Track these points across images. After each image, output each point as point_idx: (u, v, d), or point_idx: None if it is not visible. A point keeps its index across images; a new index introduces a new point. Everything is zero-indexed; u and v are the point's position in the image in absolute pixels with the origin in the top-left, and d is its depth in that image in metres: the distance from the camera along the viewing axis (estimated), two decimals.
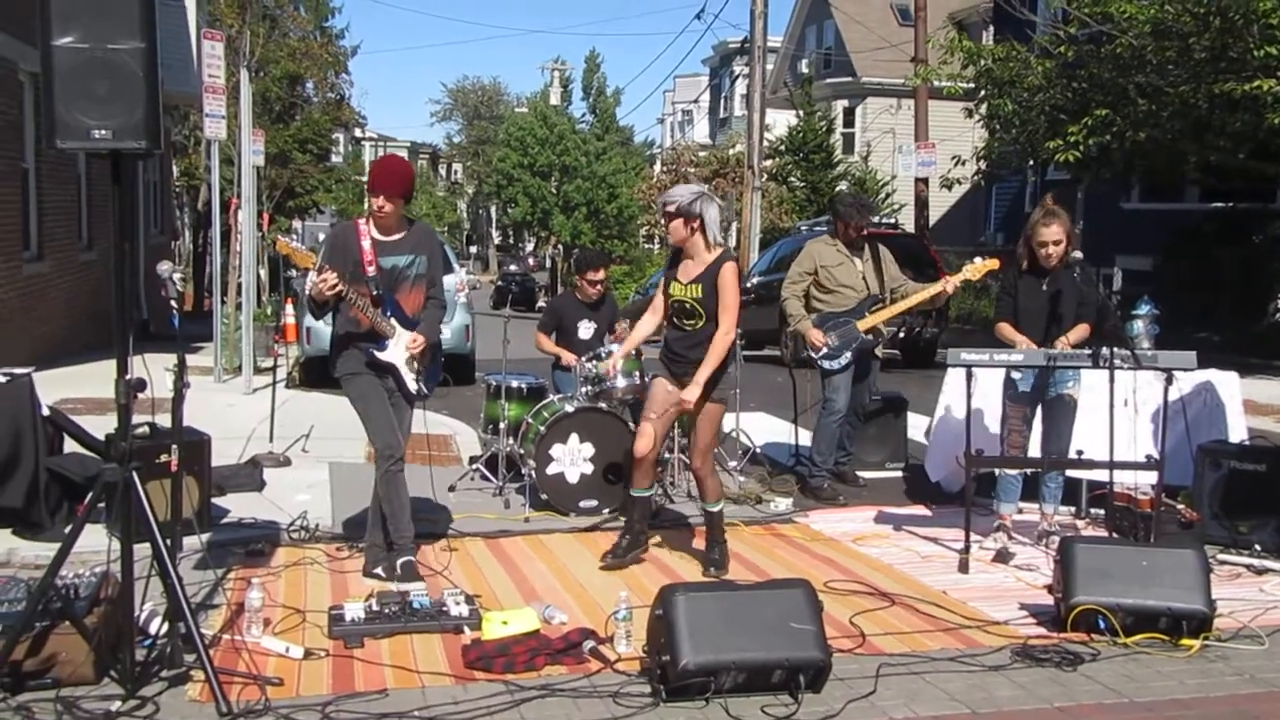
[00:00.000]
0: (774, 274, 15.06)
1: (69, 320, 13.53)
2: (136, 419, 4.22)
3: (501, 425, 7.26)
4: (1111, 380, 5.61)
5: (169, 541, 4.12)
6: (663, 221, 5.63)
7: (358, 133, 51.26)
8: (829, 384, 7.38)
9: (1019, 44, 16.58)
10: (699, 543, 6.04)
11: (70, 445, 6.36)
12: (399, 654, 4.40)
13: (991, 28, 26.35)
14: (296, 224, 32.51)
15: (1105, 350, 5.63)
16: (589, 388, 6.90)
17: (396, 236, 5.27)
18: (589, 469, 6.73)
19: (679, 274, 5.60)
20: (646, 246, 44.94)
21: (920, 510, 7.11)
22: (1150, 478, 5.87)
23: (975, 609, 5.10)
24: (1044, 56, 16.07)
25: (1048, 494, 6.25)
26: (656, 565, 5.80)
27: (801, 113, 31.02)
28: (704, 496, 5.75)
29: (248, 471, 7.20)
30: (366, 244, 5.19)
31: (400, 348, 5.24)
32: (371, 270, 5.16)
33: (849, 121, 34.72)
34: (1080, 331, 5.98)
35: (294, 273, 5.16)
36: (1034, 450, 6.23)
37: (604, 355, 6.87)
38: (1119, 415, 5.71)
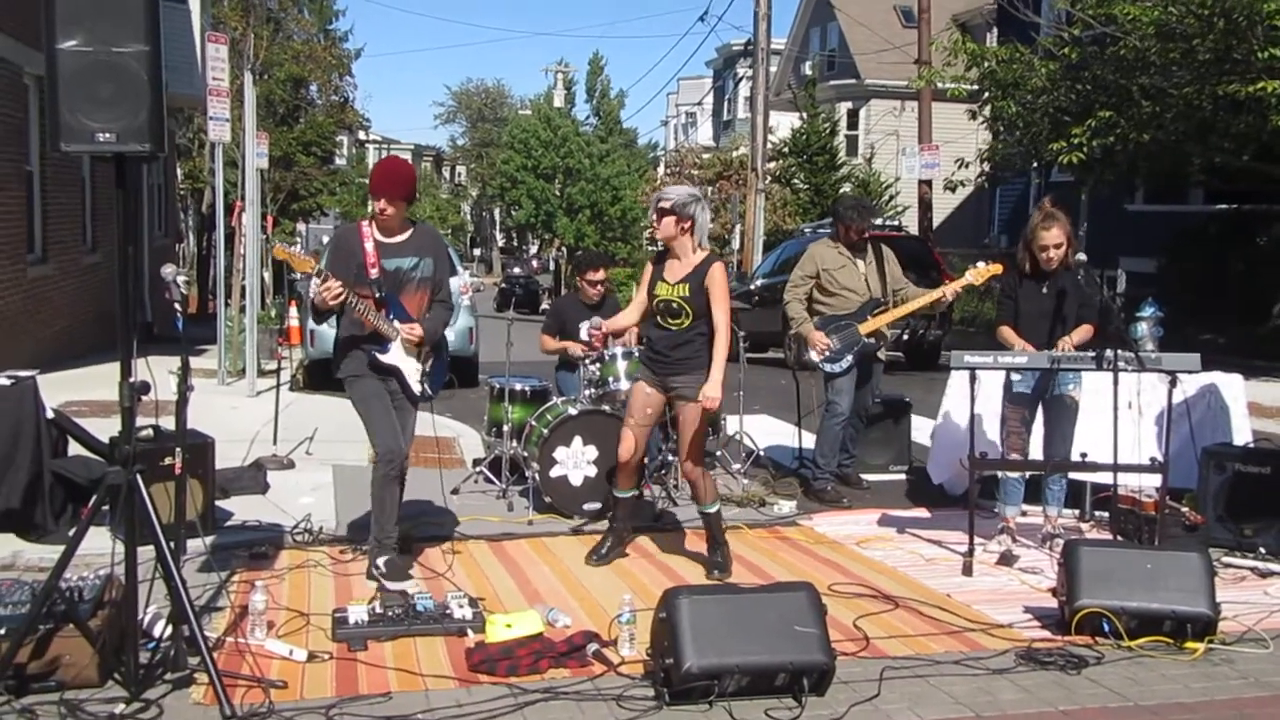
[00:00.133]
0: (778, 276, 15.05)
1: (73, 323, 13.55)
2: (140, 422, 4.23)
3: (505, 428, 7.26)
4: (1115, 383, 5.60)
5: (173, 544, 4.12)
6: (653, 218, 5.67)
7: (361, 135, 51.36)
8: (832, 387, 7.38)
9: (1023, 46, 16.57)
10: (702, 545, 6.04)
11: (74, 448, 6.37)
12: (402, 657, 4.40)
13: (995, 29, 26.32)
14: (300, 226, 32.49)
15: (1109, 353, 5.63)
16: (592, 390, 6.91)
17: (399, 239, 5.27)
18: (592, 471, 6.73)
19: (665, 274, 5.64)
20: (650, 249, 44.93)
21: (924, 513, 7.11)
22: (1154, 480, 5.86)
23: (979, 612, 5.09)
24: (1048, 58, 16.07)
25: (1051, 497, 6.24)
26: (660, 568, 5.79)
27: (805, 115, 31.00)
28: (698, 499, 5.75)
29: (251, 474, 7.20)
30: (369, 246, 5.19)
31: (401, 349, 5.23)
32: (374, 273, 5.16)
33: (853, 124, 34.69)
34: (1083, 333, 5.98)
35: (298, 276, 5.18)
36: (1035, 452, 6.23)
37: (606, 358, 6.87)
38: (1123, 418, 5.70)
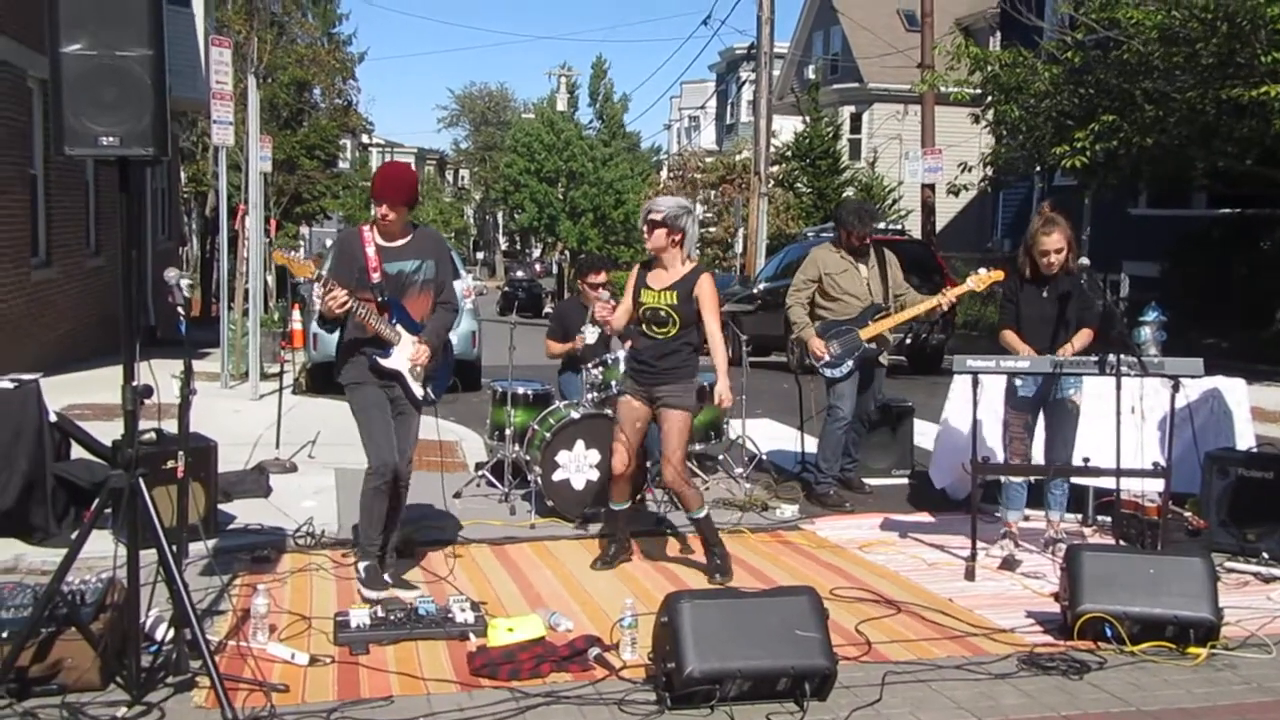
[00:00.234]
0: (780, 280, 15.05)
1: (76, 326, 13.57)
2: (143, 425, 4.23)
3: (507, 432, 7.26)
4: (1118, 387, 5.60)
5: (175, 547, 4.13)
6: (644, 229, 5.68)
7: (365, 139, 51.35)
8: (833, 391, 7.38)
9: (1026, 50, 16.57)
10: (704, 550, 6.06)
11: (77, 451, 6.37)
12: (404, 661, 4.40)
13: (998, 33, 26.31)
14: (304, 230, 32.62)
15: (1112, 357, 5.62)
16: (595, 394, 6.91)
17: (401, 242, 5.26)
18: (595, 475, 6.73)
19: (650, 281, 5.66)
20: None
21: (926, 517, 7.10)
22: (1157, 485, 5.85)
23: (982, 616, 5.09)
24: (1051, 62, 16.05)
25: (1053, 501, 6.24)
26: (662, 573, 5.79)
27: (808, 118, 31.01)
28: (686, 507, 5.76)
29: (254, 477, 7.20)
30: (371, 250, 5.19)
31: (404, 355, 5.23)
32: (376, 276, 5.16)
33: (856, 127, 34.70)
34: (1084, 337, 5.99)
35: (300, 279, 5.18)
36: (1037, 456, 6.23)
37: (610, 362, 6.87)
38: (1126, 422, 5.70)
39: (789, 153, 30.83)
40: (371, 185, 5.30)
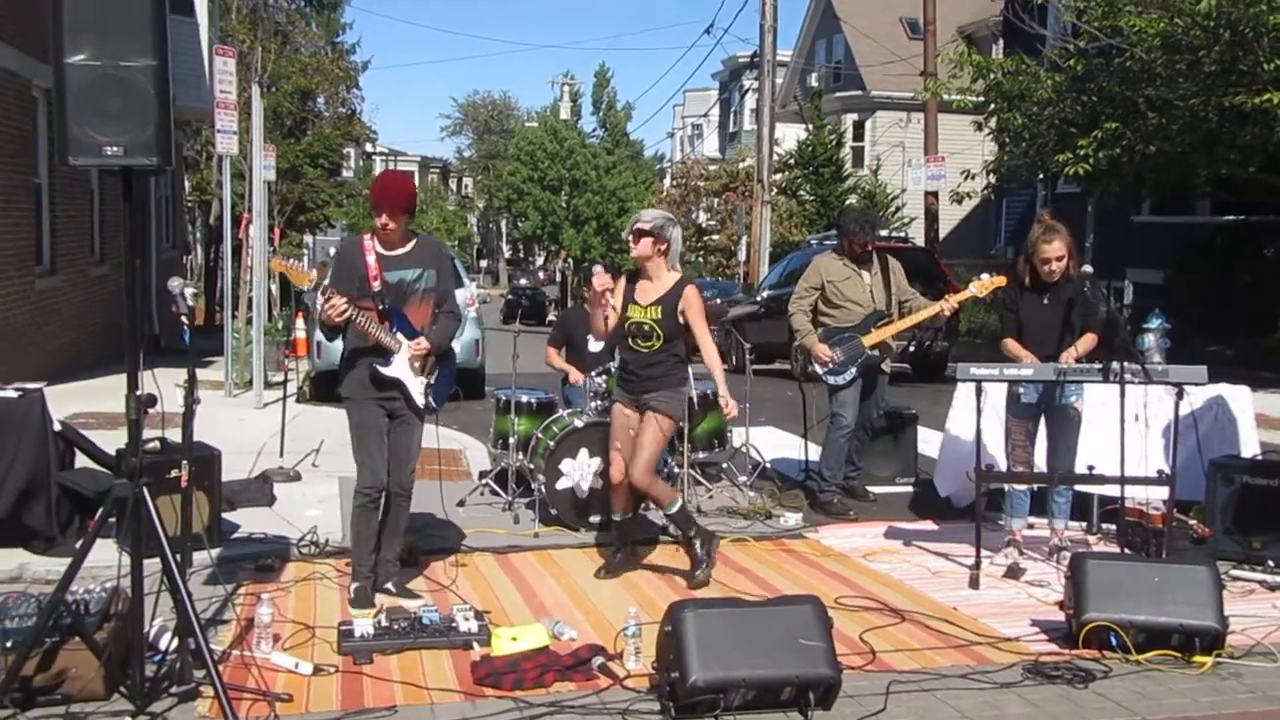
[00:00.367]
0: (784, 288, 15.05)
1: (81, 335, 13.59)
2: (147, 434, 4.24)
3: (511, 440, 7.26)
4: (1122, 395, 5.59)
5: (179, 557, 4.13)
6: (630, 240, 5.76)
7: (369, 147, 51.40)
8: (836, 399, 7.38)
9: (1028, 58, 16.58)
10: None
11: (81, 460, 6.38)
12: (408, 670, 4.39)
13: (1001, 41, 26.36)
14: (307, 238, 32.66)
15: (1115, 365, 5.62)
16: (598, 402, 6.91)
17: (402, 251, 5.26)
18: (599, 484, 6.72)
19: (637, 295, 5.75)
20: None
21: (930, 525, 7.09)
22: (1162, 493, 5.84)
23: (986, 625, 5.08)
24: (1053, 70, 16.07)
25: (1056, 509, 6.23)
26: (666, 581, 5.79)
27: (811, 126, 31.08)
28: (660, 506, 5.80)
29: (258, 486, 7.21)
30: (371, 259, 5.19)
31: (405, 361, 5.23)
32: (377, 285, 5.17)
33: (859, 135, 34.75)
34: (1088, 341, 5.99)
35: (305, 288, 5.18)
36: (1039, 464, 6.22)
37: (613, 370, 6.87)
38: (1130, 430, 5.69)
39: (792, 160, 30.88)
40: (370, 195, 5.31)
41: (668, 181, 45.76)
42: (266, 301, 13.77)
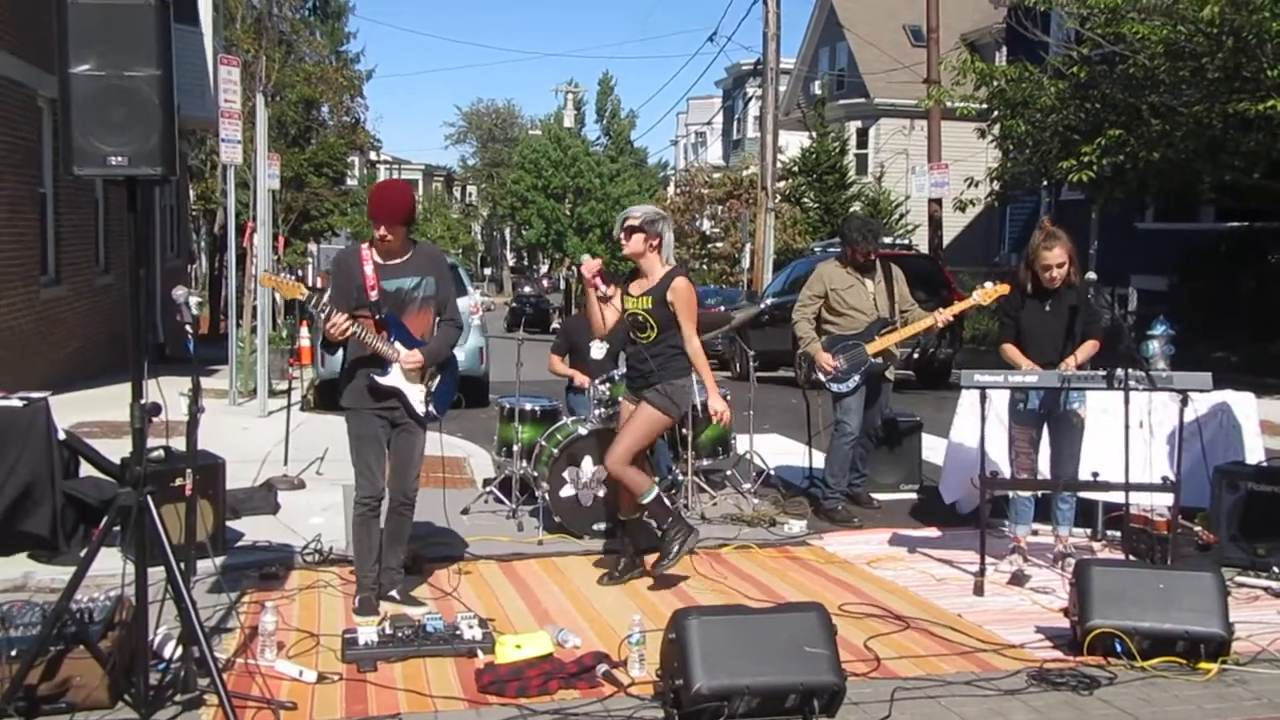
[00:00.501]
0: (788, 295, 15.05)
1: (86, 344, 13.62)
2: (151, 442, 4.24)
3: (515, 448, 7.26)
4: (1126, 402, 5.59)
5: (183, 565, 4.14)
6: (621, 236, 5.82)
7: (373, 156, 51.50)
8: (840, 406, 7.38)
9: (1031, 65, 16.59)
10: (713, 566, 6.05)
11: (86, 469, 6.39)
12: (412, 678, 4.39)
13: (1004, 48, 26.38)
14: (311, 247, 32.65)
15: (1120, 372, 5.62)
16: (602, 410, 6.91)
17: (400, 259, 5.26)
18: (603, 492, 6.72)
19: (631, 288, 5.80)
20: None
21: (935, 532, 7.08)
22: (1166, 499, 5.83)
23: (990, 632, 5.07)
24: (1057, 77, 16.08)
25: (1060, 516, 6.22)
26: (669, 589, 5.78)
27: (814, 134, 31.08)
28: (633, 493, 5.74)
29: (262, 494, 7.22)
30: (369, 269, 5.19)
31: (402, 371, 5.21)
32: (374, 295, 5.17)
33: (862, 142, 34.76)
34: (1089, 348, 6.00)
35: (299, 298, 5.19)
36: (1043, 471, 6.21)
37: (616, 378, 6.88)
38: (1135, 437, 5.68)
39: (796, 168, 30.89)
40: (368, 206, 5.31)
41: (671, 189, 45.80)
42: (270, 310, 13.79)
